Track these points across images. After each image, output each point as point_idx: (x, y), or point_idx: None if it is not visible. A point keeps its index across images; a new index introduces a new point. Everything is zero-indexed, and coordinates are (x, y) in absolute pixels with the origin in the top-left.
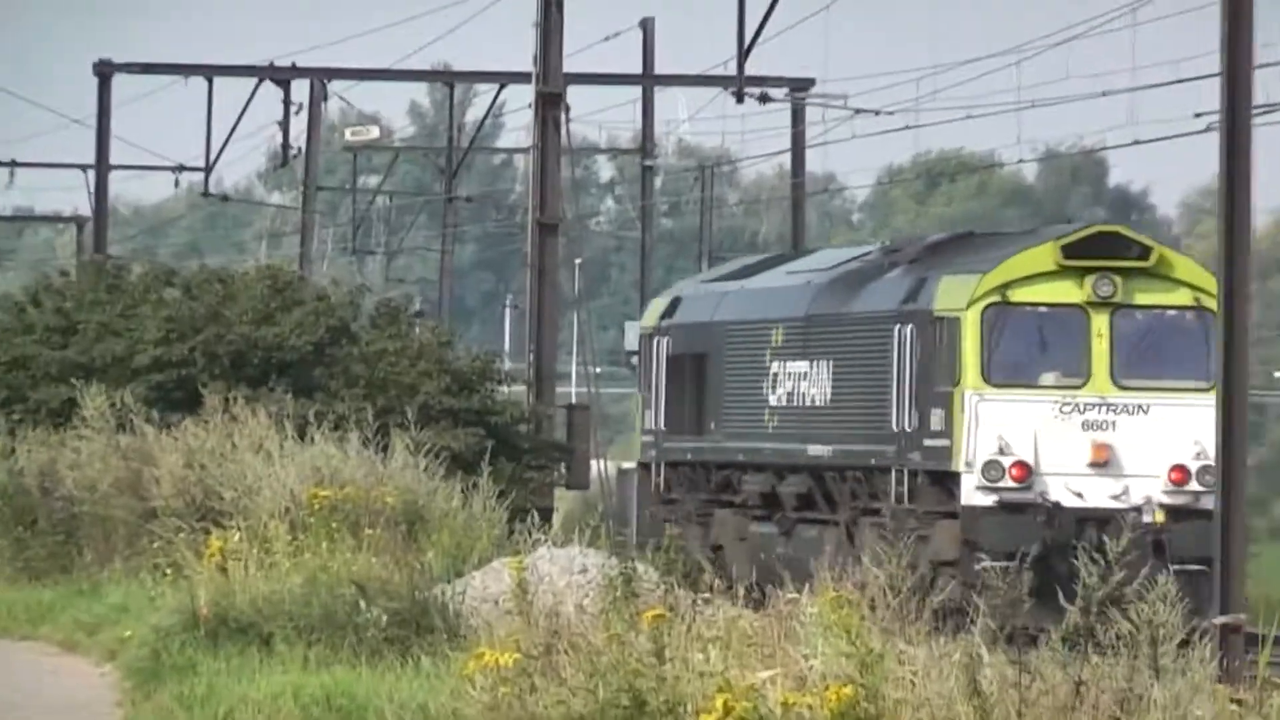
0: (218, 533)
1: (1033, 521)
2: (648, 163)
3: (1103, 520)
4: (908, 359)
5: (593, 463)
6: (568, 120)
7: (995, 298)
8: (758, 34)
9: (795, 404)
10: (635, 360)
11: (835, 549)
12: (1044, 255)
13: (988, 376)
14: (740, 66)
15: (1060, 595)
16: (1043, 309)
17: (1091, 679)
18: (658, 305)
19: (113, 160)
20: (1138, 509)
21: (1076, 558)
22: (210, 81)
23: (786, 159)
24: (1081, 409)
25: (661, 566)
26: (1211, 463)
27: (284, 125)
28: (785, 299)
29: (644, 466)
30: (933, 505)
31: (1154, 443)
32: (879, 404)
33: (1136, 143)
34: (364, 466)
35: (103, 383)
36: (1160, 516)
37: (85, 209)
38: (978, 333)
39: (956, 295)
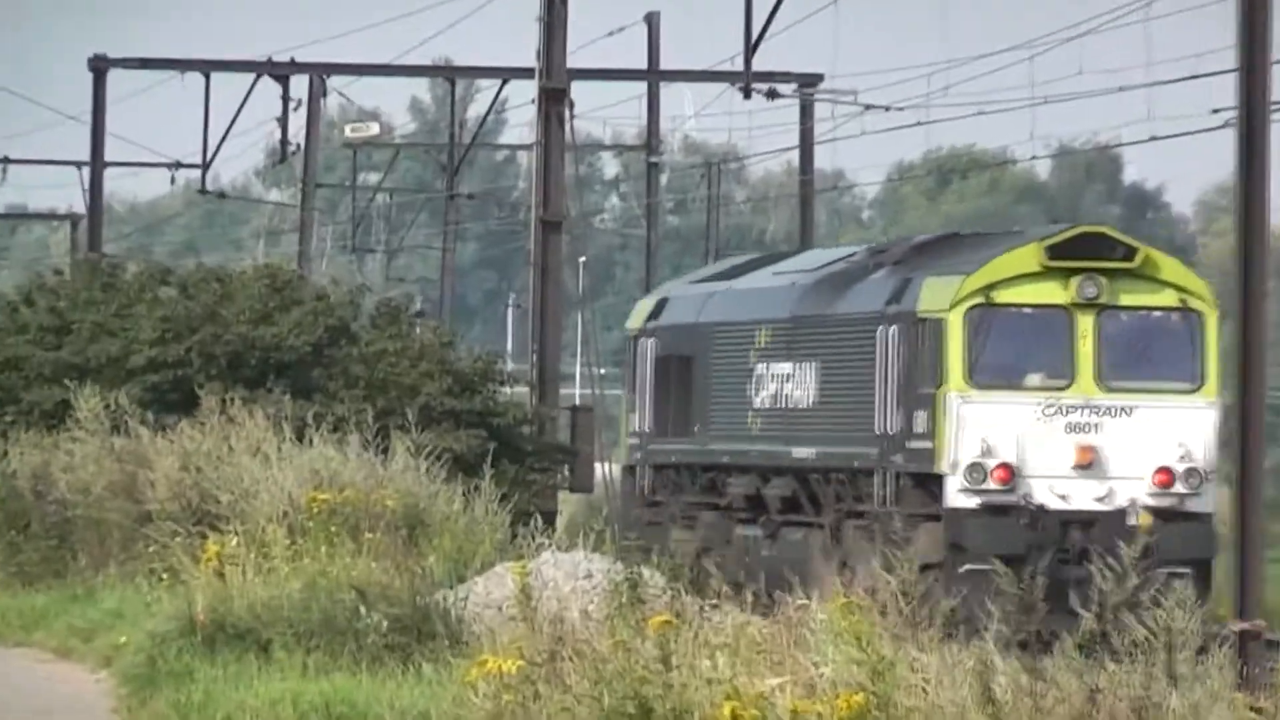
0: (215, 537)
1: (1016, 524)
2: (653, 159)
3: (1087, 523)
4: (892, 361)
5: (597, 465)
6: (571, 116)
7: (979, 299)
8: (765, 28)
9: (780, 406)
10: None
11: (821, 552)
12: (1028, 256)
13: (971, 378)
14: (747, 61)
15: (1045, 598)
16: (1027, 310)
17: (1107, 686)
18: (644, 306)
19: (108, 157)
20: (1122, 511)
21: (1065, 560)
22: (207, 77)
23: (795, 156)
24: (1066, 411)
25: (668, 571)
26: (1197, 465)
27: (282, 121)
28: (770, 300)
29: (630, 469)
30: (917, 508)
31: (1139, 445)
32: (863, 406)
33: (1152, 139)
34: (364, 469)
35: (97, 384)
36: (1145, 519)
37: (80, 206)
38: (961, 334)
39: (940, 296)
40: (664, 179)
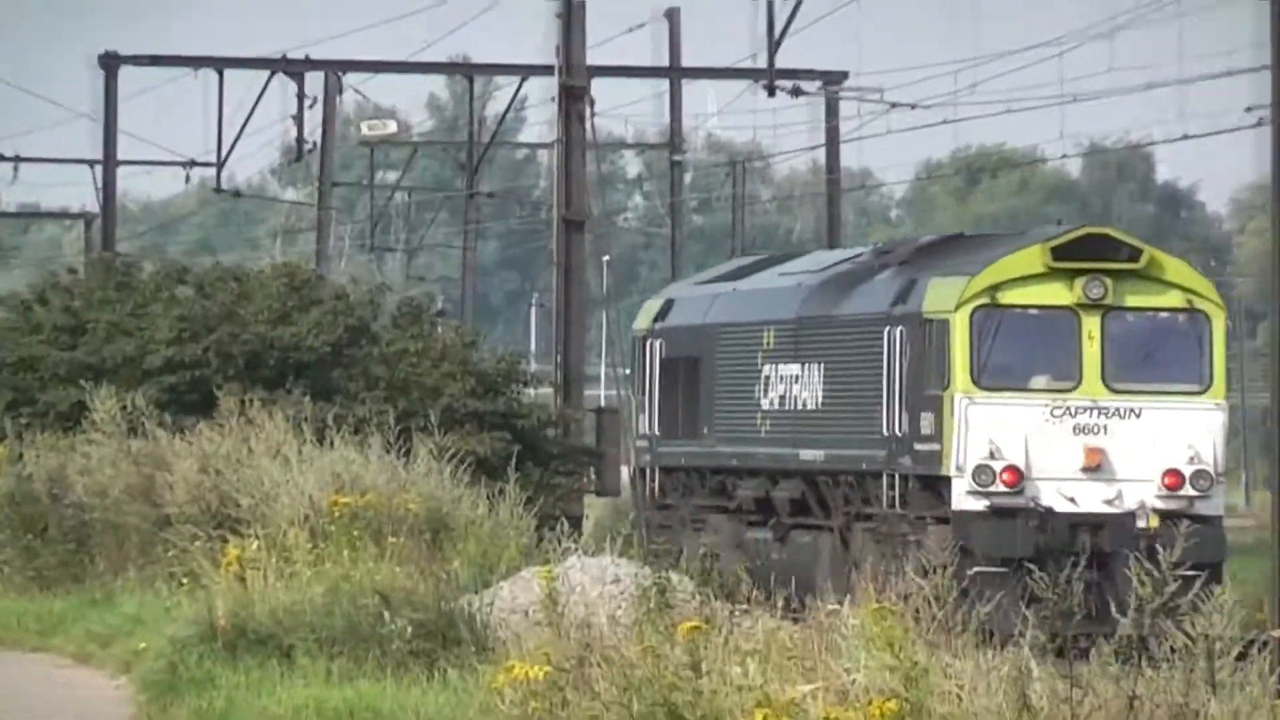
0: (235, 541)
1: (1025, 527)
2: (676, 158)
3: (1096, 525)
4: (898, 362)
5: (623, 468)
6: (592, 114)
7: (984, 300)
8: (788, 24)
9: (787, 408)
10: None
11: (830, 555)
12: (1033, 257)
13: (977, 380)
14: (771, 58)
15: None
16: (1033, 311)
17: (1145, 693)
18: (651, 307)
19: (120, 155)
20: (1131, 514)
21: (1074, 563)
22: (221, 74)
23: (820, 154)
24: (1073, 412)
25: (697, 576)
26: (1206, 467)
27: (298, 119)
28: (776, 301)
29: (640, 472)
30: (924, 510)
31: (1147, 446)
32: (870, 408)
33: (1184, 137)
34: (386, 472)
35: (113, 384)
36: (1154, 521)
37: (92, 205)
38: (967, 335)
39: (945, 297)
40: (688, 178)
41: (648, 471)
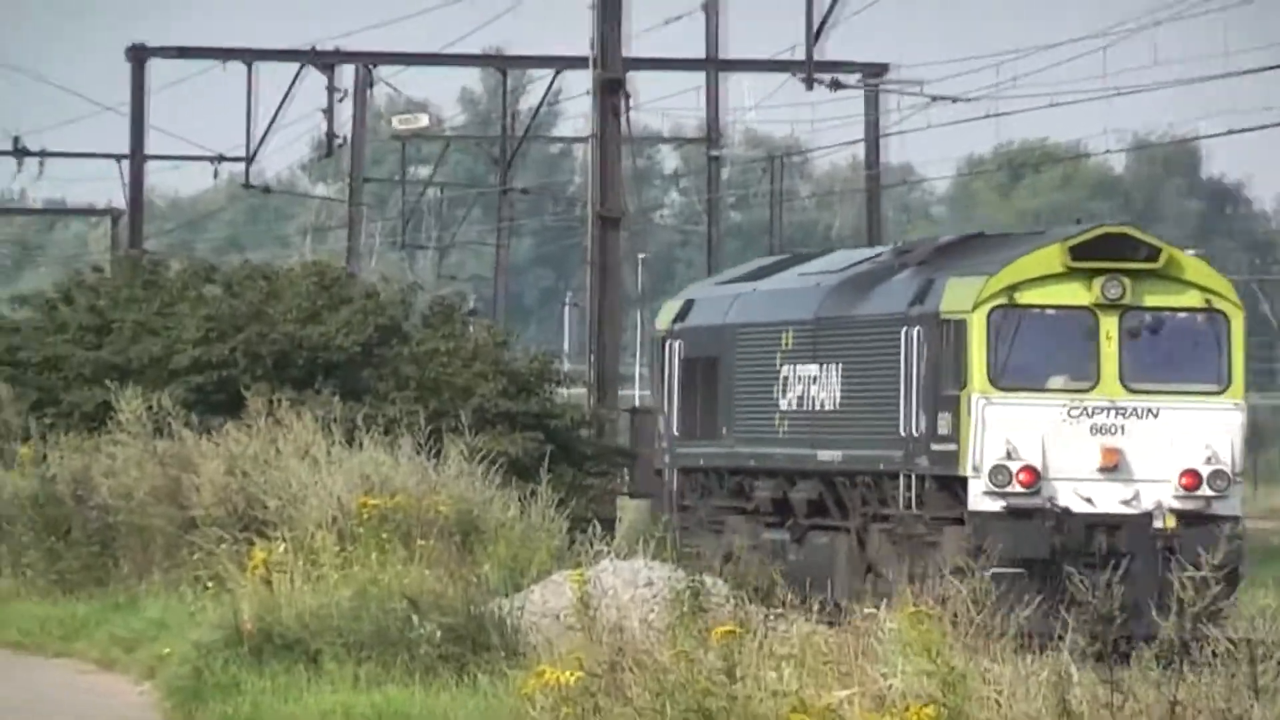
0: (262, 543)
1: (1041, 527)
2: (714, 153)
3: (1113, 526)
4: (915, 362)
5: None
6: (629, 108)
7: (1002, 300)
8: (828, 16)
9: (805, 408)
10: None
11: (846, 557)
12: (1051, 257)
13: (995, 380)
14: (810, 51)
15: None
16: (1050, 311)
17: (1188, 699)
18: (671, 308)
19: (148, 150)
20: (1148, 514)
21: (1091, 565)
22: (250, 67)
23: (860, 149)
24: (1090, 413)
25: (732, 580)
26: (1223, 467)
27: (328, 113)
28: (795, 301)
29: (658, 473)
30: (941, 511)
31: (1165, 447)
32: (888, 408)
33: (1231, 132)
34: (416, 473)
35: (139, 385)
36: (1171, 522)
37: (119, 201)
38: (984, 335)
39: (962, 297)
40: (725, 173)
41: (666, 473)
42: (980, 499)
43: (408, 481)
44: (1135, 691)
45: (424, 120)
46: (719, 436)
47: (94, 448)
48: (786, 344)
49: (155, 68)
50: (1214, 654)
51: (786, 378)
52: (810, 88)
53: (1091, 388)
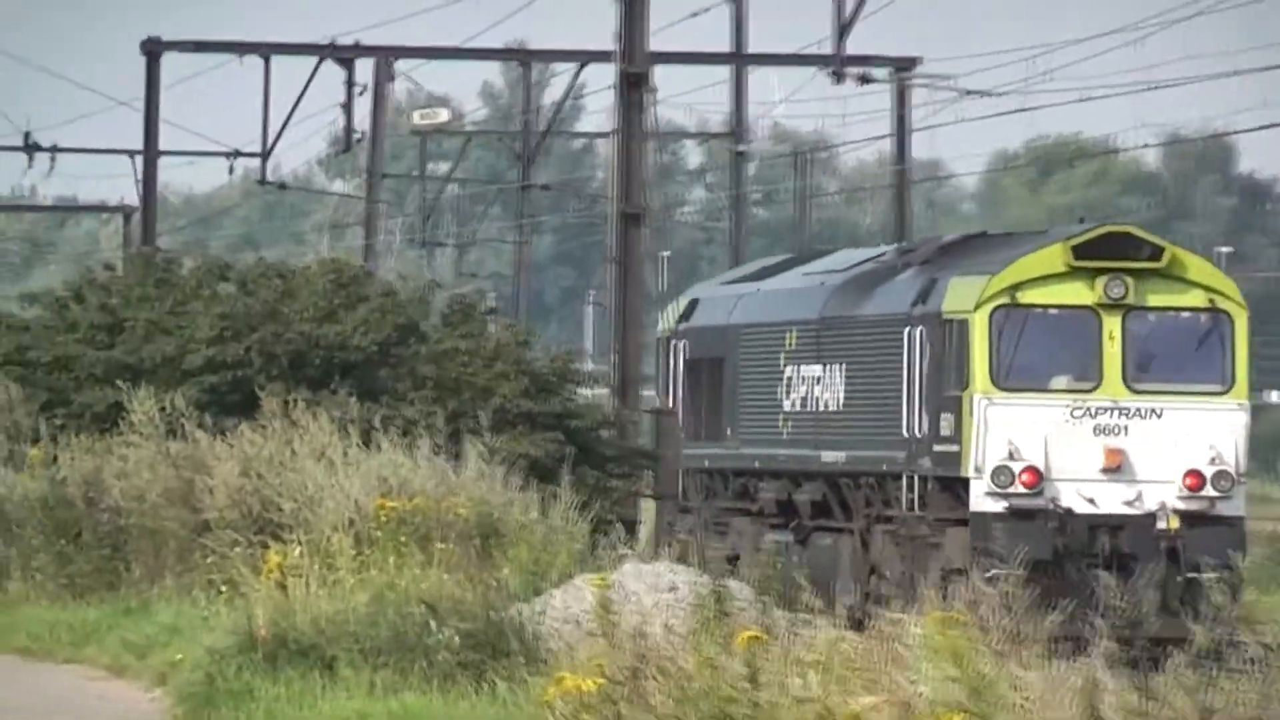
0: (276, 547)
1: (1044, 528)
2: (739, 148)
3: (1116, 527)
4: (918, 362)
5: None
6: (653, 102)
7: (1004, 299)
8: (858, 9)
9: (809, 409)
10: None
11: (850, 558)
12: (1054, 256)
13: (997, 380)
14: (839, 44)
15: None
16: (1053, 311)
17: (1222, 706)
18: (675, 308)
19: (162, 145)
20: (1152, 515)
21: (1094, 565)
22: (267, 60)
23: (889, 144)
24: (1093, 413)
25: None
26: (1227, 468)
27: (347, 108)
28: (799, 301)
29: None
30: (944, 512)
31: (1168, 447)
32: (890, 409)
33: (1265, 127)
34: (434, 475)
35: (152, 385)
36: (1175, 523)
37: (132, 198)
38: (986, 335)
39: (965, 297)
40: (751, 169)
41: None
42: (982, 500)
43: (426, 483)
44: (1168, 699)
45: (444, 115)
46: (723, 437)
47: (105, 449)
48: (790, 344)
49: (170, 62)
50: (1250, 660)
51: (790, 378)
52: (839, 82)
53: (1094, 388)
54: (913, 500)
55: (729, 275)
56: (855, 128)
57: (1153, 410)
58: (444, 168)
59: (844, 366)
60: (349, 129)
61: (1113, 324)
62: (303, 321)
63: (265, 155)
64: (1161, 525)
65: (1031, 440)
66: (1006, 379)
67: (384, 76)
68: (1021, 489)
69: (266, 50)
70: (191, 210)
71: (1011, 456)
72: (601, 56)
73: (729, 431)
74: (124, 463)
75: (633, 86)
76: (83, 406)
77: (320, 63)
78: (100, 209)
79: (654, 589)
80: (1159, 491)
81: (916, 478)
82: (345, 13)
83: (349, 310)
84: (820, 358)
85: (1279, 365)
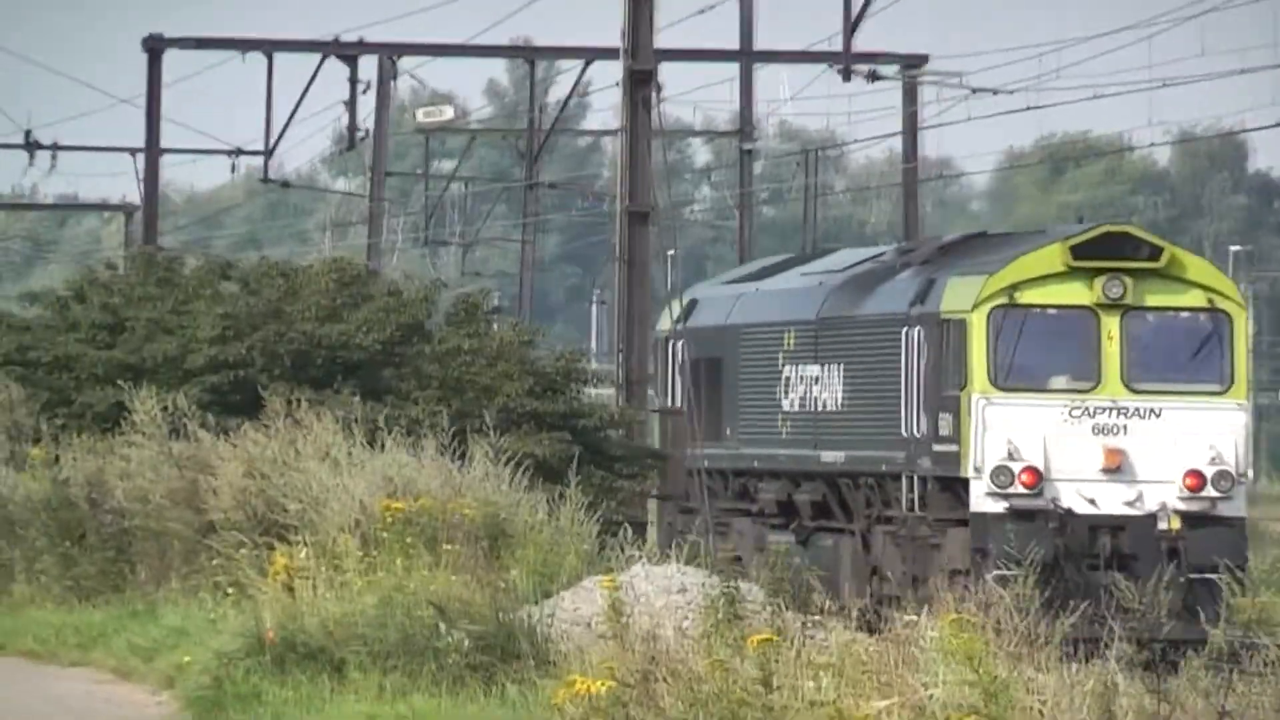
0: (282, 548)
1: (1044, 528)
2: (747, 146)
3: (1116, 527)
4: (916, 363)
5: None
6: (660, 100)
7: (1003, 299)
8: (866, 6)
9: (808, 409)
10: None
11: (851, 559)
12: (1053, 256)
13: (996, 380)
14: (847, 42)
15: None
16: (1051, 311)
17: (1238, 709)
18: (674, 308)
19: (164, 143)
20: (1152, 515)
21: (1095, 566)
22: (270, 58)
23: (897, 142)
24: (1093, 413)
25: (768, 586)
26: (1228, 468)
27: (350, 105)
28: (798, 301)
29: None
30: (944, 512)
31: (1168, 447)
32: (889, 409)
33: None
34: (440, 476)
35: (154, 385)
36: (1175, 523)
37: (134, 196)
38: (985, 335)
39: (963, 297)
40: (758, 167)
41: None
42: (982, 500)
43: (432, 484)
44: (1183, 702)
45: (449, 113)
46: (723, 438)
47: (108, 450)
48: (789, 344)
49: (172, 59)
50: (1265, 663)
51: (789, 378)
52: (847, 79)
53: (1093, 388)
54: (913, 500)
55: (728, 275)
56: (864, 126)
57: (1152, 410)
58: (448, 166)
59: (843, 366)
60: (352, 127)
61: (1111, 324)
62: (306, 321)
63: (268, 153)
64: (1163, 526)
65: (1031, 440)
66: (1005, 379)
67: (388, 74)
68: (1021, 489)
69: (269, 48)
70: (194, 209)
71: (1011, 456)
72: (607, 53)
73: (728, 432)
74: (127, 463)
75: (639, 84)
76: (84, 406)
77: (323, 60)
78: (102, 208)
79: (665, 590)
80: (1159, 492)
81: (916, 478)
82: (349, 10)
83: (352, 309)
84: (819, 358)
85: None
